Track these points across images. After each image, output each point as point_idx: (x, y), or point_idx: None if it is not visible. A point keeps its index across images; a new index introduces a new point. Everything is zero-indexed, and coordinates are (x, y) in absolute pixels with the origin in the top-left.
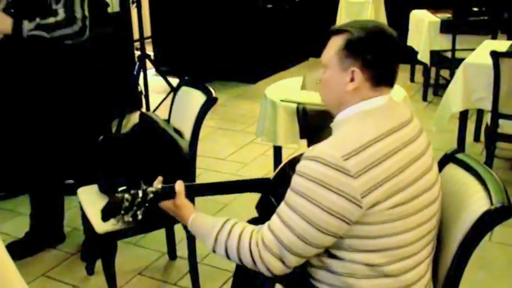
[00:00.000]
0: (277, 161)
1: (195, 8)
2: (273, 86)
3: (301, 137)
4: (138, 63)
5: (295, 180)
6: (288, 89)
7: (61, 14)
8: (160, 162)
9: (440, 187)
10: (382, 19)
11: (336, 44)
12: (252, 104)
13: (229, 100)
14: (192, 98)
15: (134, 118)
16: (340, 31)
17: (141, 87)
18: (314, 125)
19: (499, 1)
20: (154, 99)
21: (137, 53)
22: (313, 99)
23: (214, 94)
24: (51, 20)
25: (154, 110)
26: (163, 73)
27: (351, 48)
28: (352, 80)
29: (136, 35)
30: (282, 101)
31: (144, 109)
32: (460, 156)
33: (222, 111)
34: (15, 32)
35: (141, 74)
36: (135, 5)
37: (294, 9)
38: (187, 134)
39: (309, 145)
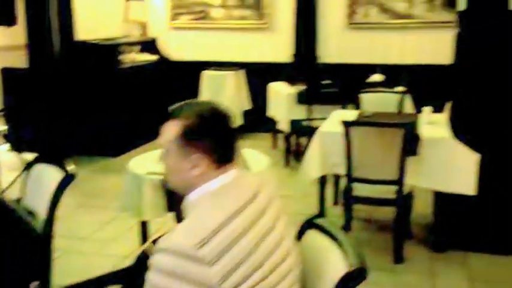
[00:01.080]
0: (144, 237)
1: (51, 81)
2: (137, 159)
3: (170, 210)
4: None
5: (151, 277)
6: (153, 161)
7: None
8: (9, 247)
9: (299, 254)
10: (244, 91)
11: (172, 130)
12: (115, 178)
13: (90, 175)
14: (48, 176)
15: None
16: (176, 116)
17: None
18: (182, 197)
19: (346, 75)
20: (6, 177)
21: None
22: None
23: (71, 170)
24: None
25: (7, 189)
26: (18, 149)
27: (189, 136)
28: (195, 166)
29: None
30: (147, 174)
31: None
32: (319, 221)
33: (82, 187)
34: None
35: None
36: None
37: (158, 80)
38: (43, 214)
39: (177, 218)
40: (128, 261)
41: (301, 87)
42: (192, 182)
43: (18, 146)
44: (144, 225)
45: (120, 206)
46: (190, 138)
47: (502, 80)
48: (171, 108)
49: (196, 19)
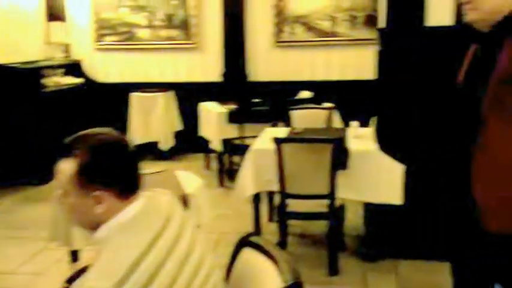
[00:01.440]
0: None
1: None
2: None
3: None
4: None
5: None
6: None
7: None
8: None
9: (220, 270)
10: (174, 112)
11: (67, 168)
12: (40, 207)
13: (15, 205)
14: None
15: None
16: (69, 153)
17: None
18: None
19: (275, 93)
20: None
21: None
22: None
23: None
24: None
25: None
26: None
27: (86, 173)
28: (98, 203)
29: None
30: None
31: None
32: (253, 239)
33: (6, 218)
34: None
35: None
36: None
37: (84, 104)
38: None
39: None
40: None
41: (232, 106)
42: (98, 219)
43: None
44: (74, 255)
45: (49, 236)
46: (87, 175)
47: (422, 94)
48: (62, 144)
49: (122, 40)
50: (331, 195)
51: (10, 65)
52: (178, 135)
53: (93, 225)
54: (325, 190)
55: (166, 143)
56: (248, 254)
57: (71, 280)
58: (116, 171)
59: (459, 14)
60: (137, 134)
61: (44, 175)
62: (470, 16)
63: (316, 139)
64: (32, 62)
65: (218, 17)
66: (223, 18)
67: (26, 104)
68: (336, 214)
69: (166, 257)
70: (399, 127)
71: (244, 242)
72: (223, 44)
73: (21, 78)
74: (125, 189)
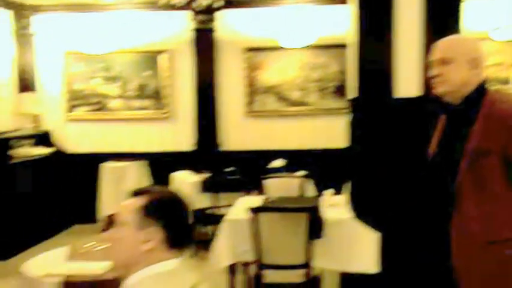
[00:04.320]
0: None
1: None
2: (32, 261)
3: None
4: None
5: None
6: (51, 262)
7: None
8: None
9: None
10: (146, 182)
11: (135, 203)
12: (5, 283)
13: None
14: None
15: None
16: (141, 193)
17: None
18: None
19: (248, 162)
20: None
21: None
22: (82, 270)
23: None
24: None
25: None
26: None
27: (151, 209)
28: (148, 240)
29: None
30: (46, 275)
31: None
32: None
33: None
34: None
35: None
36: None
37: (53, 175)
38: None
39: None
40: None
41: (205, 175)
42: (138, 259)
43: None
44: None
45: None
46: (151, 211)
47: (394, 162)
48: (137, 188)
49: (93, 110)
50: (307, 265)
51: None
52: None
53: (129, 265)
54: (301, 260)
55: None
56: None
57: None
58: (176, 220)
59: (427, 85)
60: (108, 204)
61: (9, 250)
62: (439, 89)
63: (292, 208)
64: (2, 133)
65: (190, 86)
66: (195, 88)
67: None
68: (312, 284)
69: None
70: (372, 193)
71: None
72: (195, 113)
73: None
74: (175, 240)
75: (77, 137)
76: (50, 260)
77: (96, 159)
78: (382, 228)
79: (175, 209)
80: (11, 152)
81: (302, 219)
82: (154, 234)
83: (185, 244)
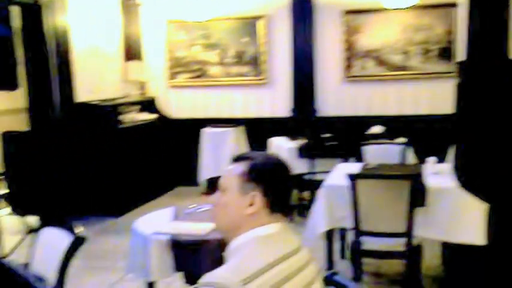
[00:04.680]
0: None
1: (52, 143)
2: (142, 219)
3: (177, 269)
4: None
5: None
6: (158, 220)
7: None
8: None
9: None
10: (244, 147)
11: (237, 168)
12: (118, 238)
13: (93, 236)
14: (56, 239)
15: None
16: (243, 158)
17: None
18: (190, 256)
19: (345, 128)
20: (9, 241)
21: None
22: (187, 229)
23: (80, 233)
24: None
25: (10, 254)
26: (21, 212)
27: (254, 174)
28: (251, 204)
29: None
30: (154, 233)
31: None
32: (337, 278)
33: (86, 248)
34: None
35: None
36: None
37: (158, 139)
38: (52, 279)
39: (186, 278)
40: None
41: (302, 141)
42: (242, 222)
43: (20, 209)
44: (151, 286)
45: (126, 267)
46: (256, 176)
47: (506, 128)
48: (236, 154)
49: (194, 77)
50: (408, 234)
51: (92, 102)
52: None
53: (233, 228)
54: (402, 228)
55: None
56: None
57: None
58: (278, 184)
59: None
60: (208, 168)
61: (121, 208)
62: None
63: (393, 175)
64: (111, 100)
65: (287, 52)
66: (292, 54)
67: (105, 139)
68: (413, 253)
69: (291, 276)
70: (480, 162)
71: (328, 280)
72: (292, 79)
73: (101, 115)
74: (277, 205)
75: (178, 103)
76: (158, 219)
77: (196, 125)
78: (490, 199)
79: (277, 173)
80: (120, 118)
81: (404, 186)
82: (257, 198)
83: (286, 209)
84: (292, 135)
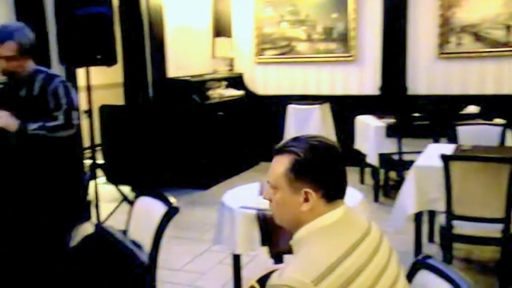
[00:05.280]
0: (237, 270)
1: (145, 117)
2: (230, 193)
3: (263, 244)
4: (89, 172)
5: None
6: (246, 195)
7: (61, 120)
8: (117, 277)
9: None
10: (329, 124)
11: (282, 165)
12: (205, 210)
13: (182, 207)
14: (151, 209)
15: (83, 229)
16: (284, 151)
17: (91, 196)
18: (275, 231)
19: (437, 107)
20: (104, 209)
21: (87, 161)
22: None
23: (174, 203)
24: (53, 123)
25: (106, 220)
26: (115, 182)
27: (300, 170)
28: (306, 200)
29: (87, 144)
30: (241, 207)
31: (94, 219)
32: (431, 261)
33: (175, 219)
34: (20, 130)
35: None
36: (87, 114)
37: (244, 115)
38: (147, 246)
39: (270, 252)
40: None
41: (390, 120)
42: (301, 217)
43: (114, 179)
44: (236, 259)
45: (213, 239)
46: (300, 172)
47: None
48: (280, 144)
49: (281, 54)
50: (506, 220)
51: (182, 78)
52: None
53: (294, 224)
54: (499, 213)
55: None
56: (425, 277)
57: (261, 280)
58: (328, 174)
59: None
60: None
61: (208, 181)
62: None
63: (493, 158)
64: (200, 75)
65: (378, 28)
66: (383, 30)
67: (193, 114)
68: (510, 241)
69: (364, 266)
70: None
71: (420, 264)
72: (381, 56)
73: (191, 90)
74: (331, 194)
75: (265, 80)
76: (245, 193)
77: (282, 101)
78: None
79: (323, 163)
80: (208, 93)
81: (503, 170)
82: (310, 193)
83: (343, 192)
84: (380, 114)
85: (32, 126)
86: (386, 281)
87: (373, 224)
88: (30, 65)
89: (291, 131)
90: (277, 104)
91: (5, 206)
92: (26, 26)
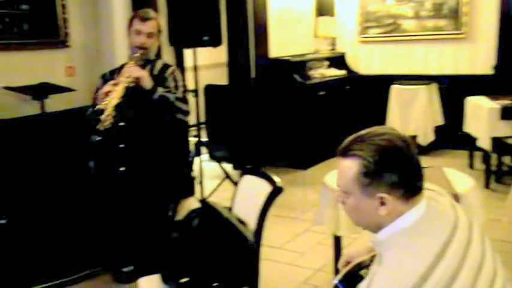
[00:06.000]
0: (337, 252)
1: (247, 97)
2: (332, 174)
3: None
4: (195, 149)
5: None
6: None
7: (180, 94)
8: (225, 253)
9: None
10: (436, 106)
11: (350, 170)
12: (304, 190)
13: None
14: (256, 187)
15: (188, 204)
16: (350, 153)
17: (195, 172)
18: None
19: None
20: (207, 185)
21: (192, 139)
22: None
23: (279, 184)
24: (176, 95)
25: (209, 196)
26: (217, 159)
27: (370, 176)
28: (382, 204)
29: (192, 122)
30: None
31: (198, 195)
32: None
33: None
34: (150, 91)
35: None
36: (193, 93)
37: (346, 95)
38: (251, 223)
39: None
40: (321, 275)
41: (506, 102)
42: (379, 221)
43: (217, 157)
44: (337, 240)
45: (315, 220)
46: (371, 178)
47: None
48: (344, 145)
49: (386, 32)
50: None
51: (284, 58)
52: (438, 130)
53: (373, 226)
54: None
55: (425, 137)
56: None
57: (344, 280)
58: (401, 173)
59: None
60: (395, 126)
61: (308, 160)
62: None
63: None
64: (302, 55)
65: (494, 2)
66: (500, 5)
67: (295, 94)
68: None
69: (459, 266)
70: None
71: None
72: (497, 33)
73: (292, 70)
74: (408, 191)
75: (368, 59)
76: None
77: (386, 81)
78: None
79: (394, 163)
80: (309, 73)
81: None
82: (386, 197)
83: (422, 187)
84: (494, 95)
85: (161, 88)
86: (485, 276)
87: (459, 210)
88: (156, 49)
89: (393, 112)
90: (381, 84)
91: (113, 177)
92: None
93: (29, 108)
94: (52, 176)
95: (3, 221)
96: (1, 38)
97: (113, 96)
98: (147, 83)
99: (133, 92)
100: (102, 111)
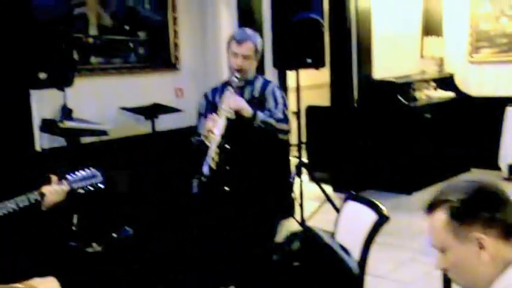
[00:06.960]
0: (447, 284)
1: (349, 118)
2: None
3: None
4: (295, 170)
5: None
6: None
7: (280, 114)
8: (327, 280)
9: None
10: None
11: (439, 220)
12: (410, 216)
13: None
14: (361, 215)
15: (288, 225)
16: (435, 204)
17: (295, 194)
18: None
19: None
20: (306, 207)
21: (293, 159)
22: None
23: (385, 212)
24: (278, 114)
25: (309, 219)
26: (318, 181)
27: (459, 216)
28: (481, 247)
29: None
30: None
31: (298, 217)
32: None
33: None
34: (251, 118)
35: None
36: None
37: (454, 118)
38: (354, 252)
39: None
40: None
41: None
42: (486, 272)
43: (317, 178)
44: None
45: (425, 249)
46: (461, 217)
47: None
48: (428, 202)
49: (500, 52)
50: None
51: (388, 79)
52: None
53: (483, 284)
54: None
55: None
56: None
57: None
58: (493, 208)
59: None
60: (511, 151)
61: (413, 185)
62: None
63: None
64: (406, 76)
65: None
66: None
67: (399, 116)
68: None
69: None
70: None
71: None
72: None
73: (396, 92)
74: (506, 227)
75: (480, 80)
76: None
77: (500, 103)
78: None
79: (484, 196)
80: (415, 95)
81: None
82: (482, 237)
83: None
84: None
85: (262, 114)
86: None
87: None
88: (254, 69)
89: (509, 136)
90: (494, 106)
91: (216, 196)
92: (257, 34)
93: (142, 127)
94: (159, 191)
95: (130, 231)
96: (124, 62)
97: (216, 134)
98: (247, 111)
99: (235, 122)
100: (206, 146)
